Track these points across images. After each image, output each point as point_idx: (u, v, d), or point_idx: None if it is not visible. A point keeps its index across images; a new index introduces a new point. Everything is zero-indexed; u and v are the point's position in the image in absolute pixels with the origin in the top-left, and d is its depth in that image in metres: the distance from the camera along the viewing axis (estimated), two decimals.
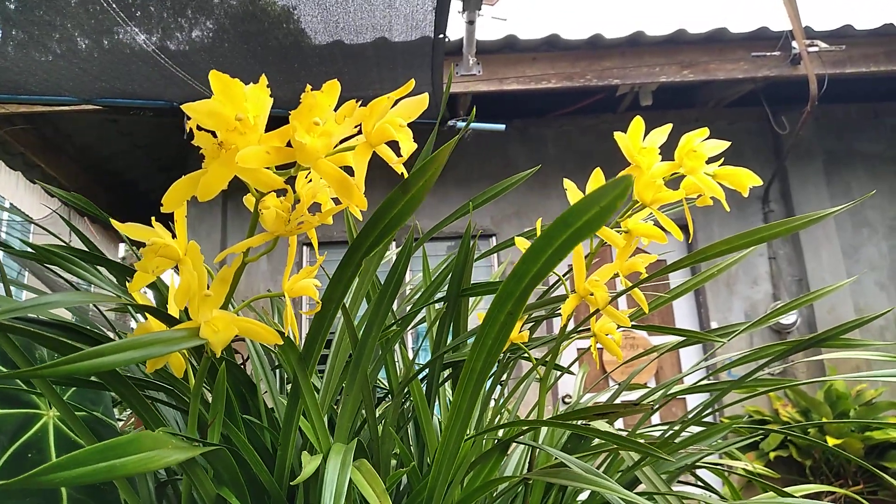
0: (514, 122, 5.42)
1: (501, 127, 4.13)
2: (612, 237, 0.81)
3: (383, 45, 3.35)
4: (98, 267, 0.91)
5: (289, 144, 0.52)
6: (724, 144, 0.78)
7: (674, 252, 4.70)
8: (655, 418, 4.40)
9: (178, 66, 3.53)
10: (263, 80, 0.50)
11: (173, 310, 0.68)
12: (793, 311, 1.00)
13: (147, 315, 0.64)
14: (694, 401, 4.83)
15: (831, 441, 4.28)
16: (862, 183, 5.47)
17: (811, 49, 4.55)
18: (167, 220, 0.69)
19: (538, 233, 0.80)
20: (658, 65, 4.68)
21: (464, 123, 3.94)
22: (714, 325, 5.16)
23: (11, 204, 9.42)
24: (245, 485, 0.71)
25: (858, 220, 5.40)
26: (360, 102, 0.56)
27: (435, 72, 3.51)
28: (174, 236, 0.63)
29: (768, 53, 4.60)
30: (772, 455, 4.57)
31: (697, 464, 1.06)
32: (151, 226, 0.66)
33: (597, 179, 0.83)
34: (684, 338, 1.13)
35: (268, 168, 0.54)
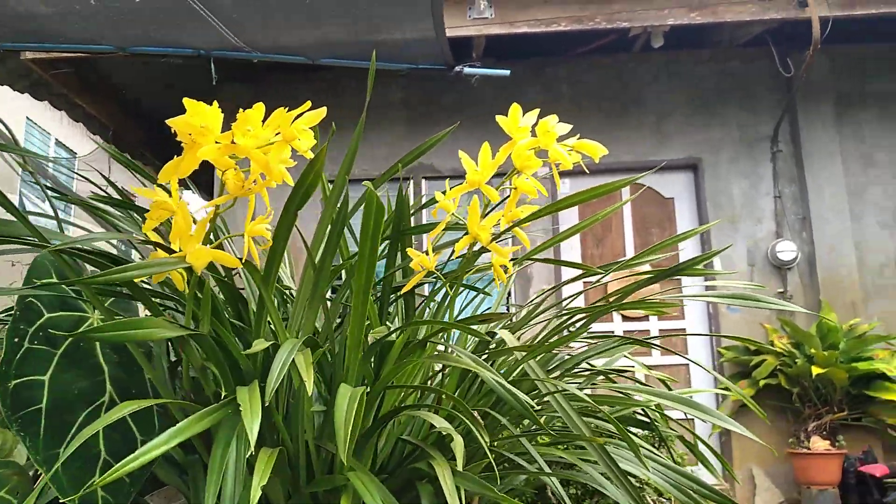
0: (532, 59, 5.58)
1: (506, 72, 4.34)
2: (490, 192, 1.11)
3: None
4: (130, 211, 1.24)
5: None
6: (567, 127, 1.06)
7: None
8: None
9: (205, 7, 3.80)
10: (216, 104, 0.81)
11: (173, 245, 1.00)
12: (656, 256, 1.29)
13: (156, 247, 0.97)
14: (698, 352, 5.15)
15: (816, 370, 4.56)
16: (873, 124, 5.54)
17: None
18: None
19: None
20: (666, 7, 4.79)
21: (471, 69, 4.15)
22: (716, 261, 5.38)
23: (57, 140, 9.90)
24: (225, 363, 1.04)
25: (867, 160, 5.49)
26: (287, 109, 0.86)
27: (436, 16, 3.72)
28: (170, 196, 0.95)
29: None
30: (762, 383, 4.87)
31: (584, 365, 1.38)
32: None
33: (485, 153, 1.12)
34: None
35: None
